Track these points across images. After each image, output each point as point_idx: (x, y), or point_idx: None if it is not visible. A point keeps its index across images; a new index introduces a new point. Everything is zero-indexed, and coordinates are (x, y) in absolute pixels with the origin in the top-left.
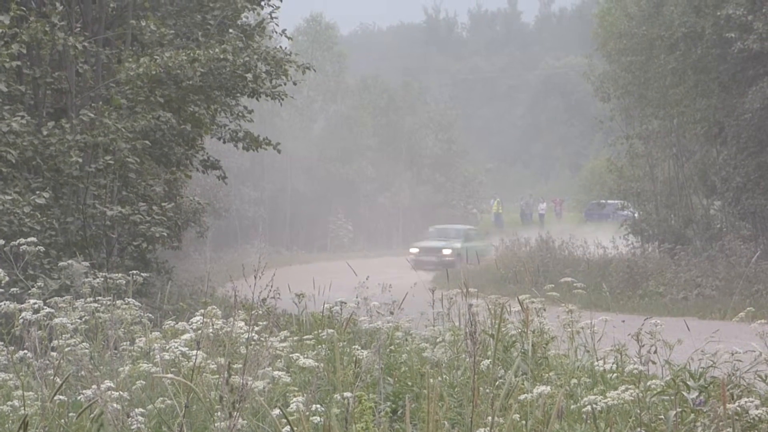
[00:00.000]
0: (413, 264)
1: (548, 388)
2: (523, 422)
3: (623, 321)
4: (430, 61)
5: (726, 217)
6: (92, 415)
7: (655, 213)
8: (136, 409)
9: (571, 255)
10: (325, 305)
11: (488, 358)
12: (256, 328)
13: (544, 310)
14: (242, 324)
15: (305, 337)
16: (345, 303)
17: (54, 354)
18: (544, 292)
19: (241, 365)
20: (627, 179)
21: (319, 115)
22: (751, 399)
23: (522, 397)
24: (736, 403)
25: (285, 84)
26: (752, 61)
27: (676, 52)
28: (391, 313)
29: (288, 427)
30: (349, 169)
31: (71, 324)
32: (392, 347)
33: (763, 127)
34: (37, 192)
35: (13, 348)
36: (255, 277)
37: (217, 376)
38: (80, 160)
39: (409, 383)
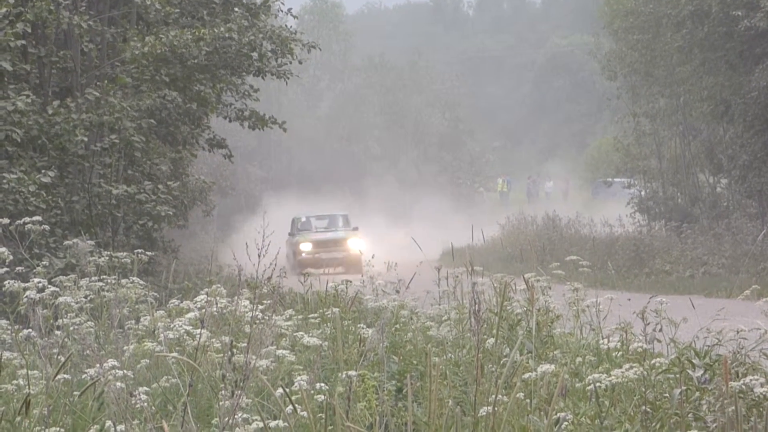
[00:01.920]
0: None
1: (552, 366)
2: (528, 401)
3: (629, 299)
4: (436, 40)
5: (732, 195)
6: (95, 394)
7: (662, 191)
8: (140, 388)
9: (577, 233)
10: (330, 284)
11: (493, 337)
12: (261, 307)
13: (550, 288)
14: (247, 303)
15: (310, 315)
16: (350, 281)
17: (58, 333)
18: (549, 270)
19: (245, 344)
20: (633, 157)
21: (326, 94)
22: (756, 377)
23: (526, 375)
24: (741, 381)
25: (290, 63)
26: (759, 39)
27: (683, 30)
28: (397, 291)
29: (294, 405)
30: (356, 147)
31: (76, 303)
32: (397, 326)
33: None
34: (43, 171)
35: (18, 327)
36: (259, 256)
37: (222, 354)
38: (85, 139)
39: (414, 362)
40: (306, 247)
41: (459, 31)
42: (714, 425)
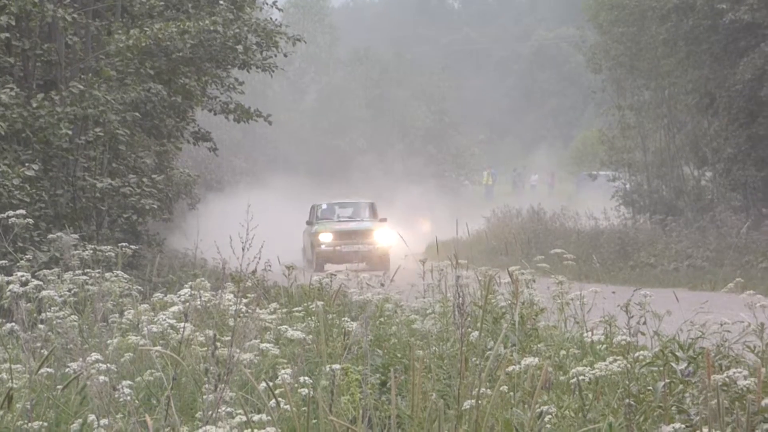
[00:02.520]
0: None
1: (536, 359)
2: (511, 394)
3: (613, 292)
4: (421, 33)
5: (717, 188)
6: (78, 388)
7: (647, 184)
8: (124, 382)
9: (562, 226)
10: (315, 277)
11: (477, 330)
12: (245, 300)
13: (534, 281)
14: (231, 296)
15: (294, 309)
16: (335, 275)
17: (42, 327)
18: (534, 263)
19: (229, 338)
20: (618, 150)
21: (311, 87)
22: (739, 369)
23: (510, 368)
24: (725, 374)
25: (275, 56)
26: (744, 32)
27: (668, 23)
28: (382, 285)
29: (277, 399)
30: (341, 140)
31: (60, 296)
32: (382, 319)
33: (755, 98)
34: (27, 164)
35: (1, 320)
36: (243, 249)
37: (205, 348)
38: (70, 132)
39: (399, 355)
40: (326, 237)
41: (445, 24)
42: (697, 418)
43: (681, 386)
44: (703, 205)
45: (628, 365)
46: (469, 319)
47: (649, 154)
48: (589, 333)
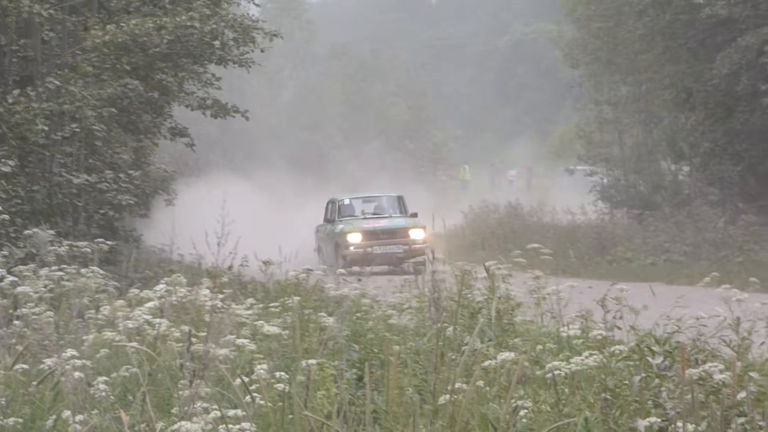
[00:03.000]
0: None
1: (512, 354)
2: (488, 389)
3: (590, 287)
4: (400, 28)
5: (694, 182)
6: (52, 384)
7: (624, 179)
8: (99, 378)
9: (539, 221)
10: (292, 272)
11: (454, 325)
12: (221, 296)
13: (511, 276)
14: (207, 292)
15: (271, 304)
16: (312, 270)
17: (17, 323)
18: (511, 258)
19: (205, 333)
20: (596, 145)
21: (288, 83)
22: (715, 364)
23: (486, 363)
24: (701, 368)
25: (253, 51)
26: (720, 27)
27: (645, 18)
28: (359, 280)
29: (252, 395)
30: (318, 136)
31: (35, 293)
32: (358, 314)
33: (731, 92)
34: (3, 160)
35: None
36: (218, 244)
37: (182, 344)
38: (46, 128)
39: (375, 350)
40: (354, 238)
41: (422, 19)
42: (673, 412)
43: (657, 380)
44: (680, 200)
45: (605, 360)
46: (445, 314)
47: (627, 149)
48: (566, 328)
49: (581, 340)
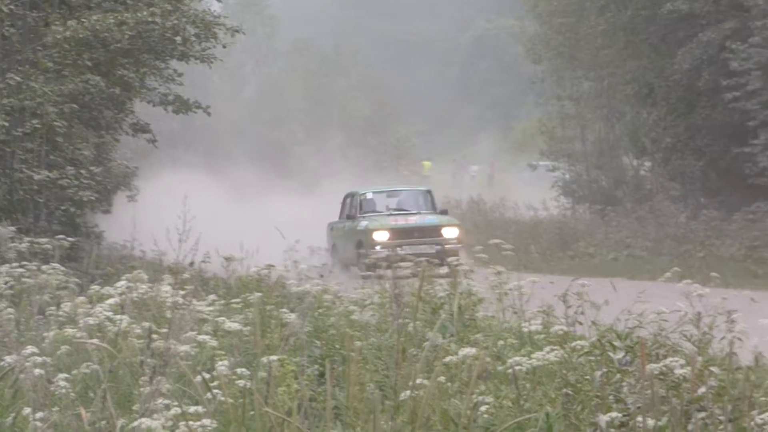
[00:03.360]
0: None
1: (474, 349)
2: (449, 384)
3: (552, 282)
4: (362, 23)
5: (656, 177)
6: (12, 381)
7: (586, 174)
8: (60, 374)
9: (502, 217)
10: (253, 268)
11: (415, 321)
12: (183, 292)
13: (473, 271)
14: (168, 288)
15: (232, 300)
16: (273, 266)
17: None
18: (473, 253)
19: (166, 330)
20: (558, 140)
21: (251, 79)
22: (675, 359)
23: (448, 359)
24: (661, 363)
25: (214, 47)
26: (682, 23)
27: (607, 13)
28: (321, 276)
29: (213, 392)
30: (280, 132)
31: None
32: (321, 310)
33: (693, 87)
34: None
35: None
36: (180, 240)
37: (143, 340)
38: (6, 124)
39: (337, 346)
40: (381, 236)
41: (385, 15)
42: (634, 407)
43: (618, 376)
44: (642, 195)
45: (566, 355)
46: (407, 309)
47: (589, 144)
48: (527, 323)
49: (543, 336)
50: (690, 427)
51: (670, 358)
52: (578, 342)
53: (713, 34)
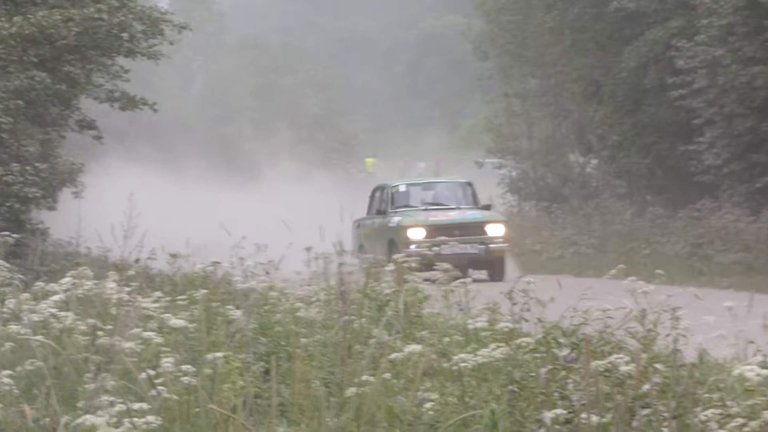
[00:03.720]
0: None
1: (419, 346)
2: (395, 381)
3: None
4: (309, 20)
5: (602, 175)
6: None
7: (532, 171)
8: (3, 371)
9: None
10: (199, 265)
11: (361, 317)
12: (128, 289)
13: (419, 269)
14: (113, 284)
15: (178, 297)
16: (219, 263)
17: None
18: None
19: (111, 327)
20: (504, 138)
21: (199, 75)
22: (620, 356)
23: (393, 356)
24: (606, 360)
25: (162, 44)
26: (628, 21)
27: (554, 11)
28: (267, 273)
29: (158, 388)
30: (228, 128)
31: None
32: (267, 307)
33: (639, 86)
34: None
35: None
36: (125, 237)
37: (87, 337)
38: None
39: (283, 343)
40: (416, 234)
41: (332, 12)
42: (579, 404)
43: (563, 372)
44: (588, 193)
45: (511, 352)
46: (353, 306)
47: (535, 142)
48: (473, 320)
49: (488, 333)
50: (634, 424)
51: (615, 355)
52: (524, 339)
53: (659, 32)
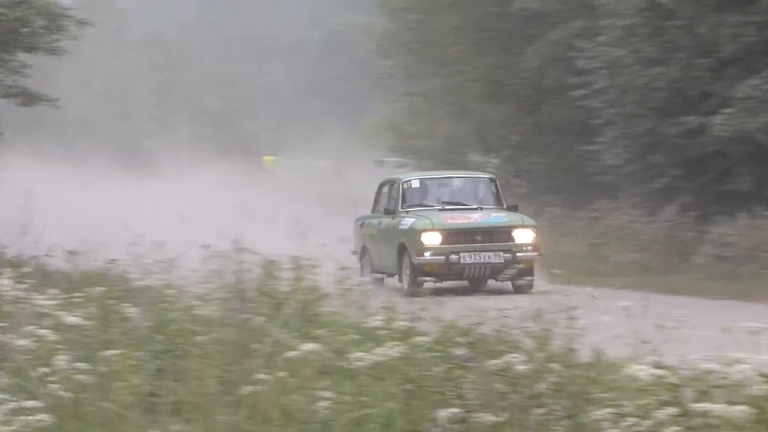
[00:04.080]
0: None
1: (316, 345)
2: (291, 379)
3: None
4: (212, 18)
5: (503, 174)
6: None
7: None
8: None
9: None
10: (95, 262)
11: (259, 315)
12: (23, 286)
13: (317, 267)
14: (8, 282)
15: (75, 294)
16: (116, 260)
17: None
18: (320, 249)
19: (4, 324)
20: (406, 137)
21: (100, 72)
22: (516, 355)
23: (289, 354)
24: (502, 359)
25: (63, 39)
26: (531, 20)
27: (459, 10)
28: (164, 270)
29: (51, 385)
30: (130, 125)
31: None
32: (163, 305)
33: (540, 86)
34: None
35: None
36: (22, 234)
37: None
38: None
39: (179, 341)
40: (432, 239)
41: (233, 9)
42: (474, 403)
43: (460, 371)
44: None
45: (408, 351)
46: (252, 305)
47: (438, 141)
48: (370, 319)
49: (385, 332)
50: (529, 423)
51: (511, 355)
52: (420, 338)
53: (561, 32)
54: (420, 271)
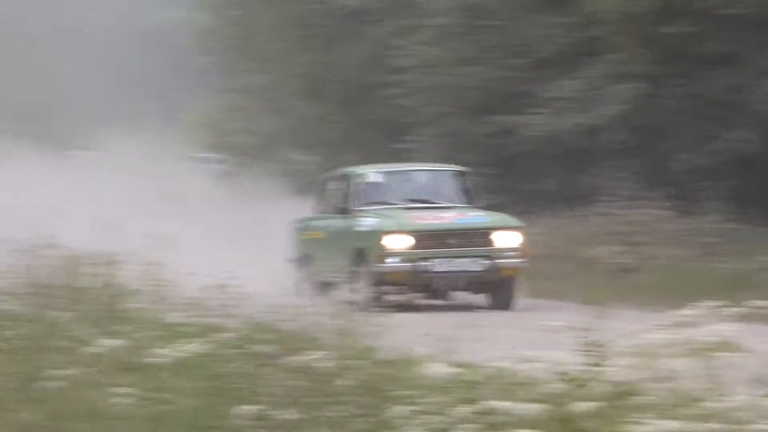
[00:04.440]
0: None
1: (119, 340)
2: (92, 375)
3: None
4: (20, 10)
5: (321, 172)
6: None
7: (249, 167)
8: None
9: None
10: None
11: (65, 311)
12: None
13: (120, 263)
14: None
15: None
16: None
17: None
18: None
19: None
20: (224, 133)
21: None
22: (323, 352)
23: (93, 349)
24: (309, 356)
25: None
26: (353, 18)
27: (281, 6)
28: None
29: None
30: None
31: None
32: None
33: (360, 83)
34: None
35: None
36: None
37: None
38: None
39: None
40: (398, 242)
41: (48, 2)
42: (276, 399)
43: (267, 368)
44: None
45: (214, 347)
46: (59, 300)
47: (256, 137)
48: (177, 314)
49: (192, 328)
50: (327, 419)
51: (317, 352)
52: (227, 334)
53: (380, 30)
54: (381, 281)
